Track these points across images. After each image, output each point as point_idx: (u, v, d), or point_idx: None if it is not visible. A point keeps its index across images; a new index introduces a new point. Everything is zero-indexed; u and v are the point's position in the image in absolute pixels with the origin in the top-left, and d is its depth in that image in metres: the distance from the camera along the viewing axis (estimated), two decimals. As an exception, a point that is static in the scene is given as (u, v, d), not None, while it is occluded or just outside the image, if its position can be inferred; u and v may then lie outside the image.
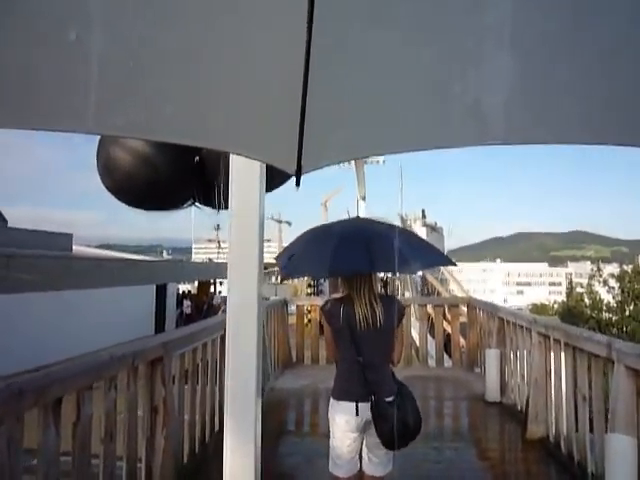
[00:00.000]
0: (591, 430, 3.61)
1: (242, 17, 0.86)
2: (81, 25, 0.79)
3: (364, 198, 8.47)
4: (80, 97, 0.82)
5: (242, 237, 2.16)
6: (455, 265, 3.24)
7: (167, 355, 3.36)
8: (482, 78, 0.82)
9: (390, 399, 2.64)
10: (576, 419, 3.91)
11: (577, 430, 3.85)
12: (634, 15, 0.77)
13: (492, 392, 5.79)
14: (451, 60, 0.85)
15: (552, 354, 4.36)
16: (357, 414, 2.61)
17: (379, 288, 2.85)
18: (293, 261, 2.75)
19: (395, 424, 2.55)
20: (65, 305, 14.01)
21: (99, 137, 5.36)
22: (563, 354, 4.16)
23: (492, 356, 5.86)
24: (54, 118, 0.87)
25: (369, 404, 2.59)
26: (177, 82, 0.90)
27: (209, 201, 6.04)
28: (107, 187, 5.85)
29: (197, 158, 5.83)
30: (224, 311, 2.39)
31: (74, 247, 22.26)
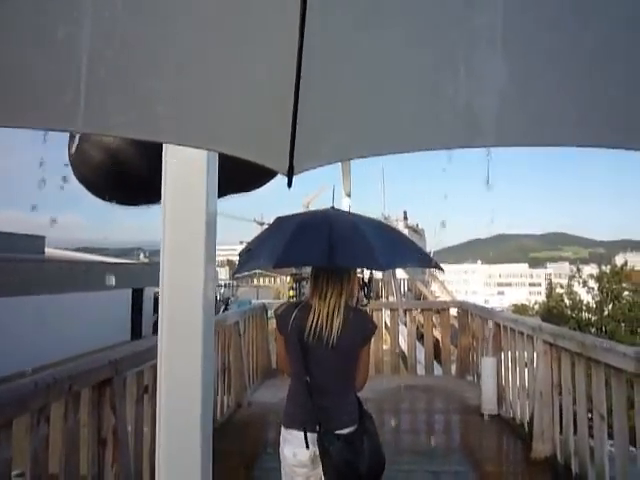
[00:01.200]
0: (611, 452, 3.18)
1: (234, 17, 0.85)
2: (71, 23, 0.78)
3: (349, 195, 8.03)
4: (70, 96, 0.82)
5: (179, 239, 1.66)
6: (442, 270, 2.78)
7: (118, 375, 2.81)
8: (474, 80, 0.82)
9: (342, 432, 2.14)
10: (590, 437, 3.48)
11: (593, 452, 3.40)
12: (626, 17, 0.77)
13: (489, 404, 5.33)
14: (443, 62, 0.85)
15: (561, 365, 3.91)
16: (307, 446, 2.12)
17: (353, 298, 2.31)
18: (248, 255, 2.26)
19: (341, 465, 2.07)
20: (32, 310, 13.23)
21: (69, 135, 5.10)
22: (572, 365, 3.72)
23: (488, 365, 5.40)
24: (43, 117, 0.86)
25: (316, 435, 2.12)
26: (168, 82, 0.90)
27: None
28: (78, 178, 5.51)
29: None
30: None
31: (47, 250, 21.49)
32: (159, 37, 0.85)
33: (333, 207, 2.40)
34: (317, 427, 2.11)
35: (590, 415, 3.46)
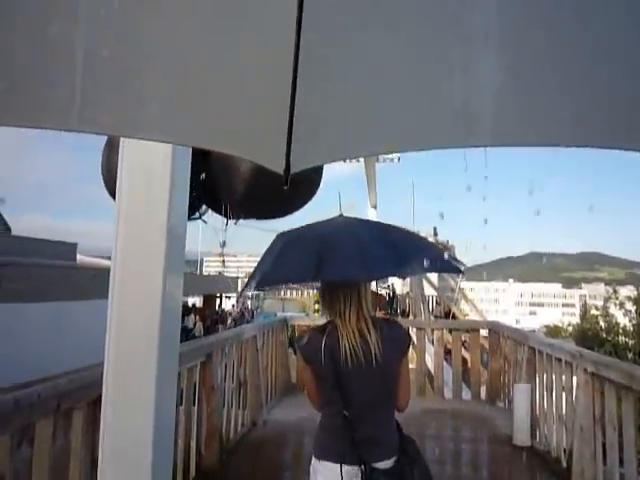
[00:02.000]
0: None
1: (231, 15, 0.85)
2: (66, 20, 0.78)
3: (375, 207, 7.76)
4: (64, 95, 0.81)
5: (132, 250, 1.44)
6: (462, 272, 2.38)
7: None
8: (470, 79, 0.80)
9: (387, 465, 1.90)
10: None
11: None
12: (624, 15, 0.76)
13: (521, 434, 4.94)
14: (439, 60, 0.84)
15: (604, 398, 3.53)
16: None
17: (373, 308, 2.02)
18: (251, 275, 2.03)
19: None
20: (52, 318, 13.29)
21: (105, 146, 5.20)
22: (618, 399, 3.35)
23: (522, 392, 5.02)
24: (37, 115, 0.84)
25: (359, 469, 1.86)
26: (164, 80, 0.88)
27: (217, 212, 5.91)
28: (110, 193, 5.52)
29: (203, 175, 5.51)
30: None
31: (79, 257, 21.82)
32: (155, 36, 0.84)
33: (341, 215, 2.16)
34: (359, 462, 1.87)
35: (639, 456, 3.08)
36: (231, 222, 5.83)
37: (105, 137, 4.80)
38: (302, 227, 2.11)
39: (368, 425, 1.94)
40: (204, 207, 6.05)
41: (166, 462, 1.52)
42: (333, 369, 1.91)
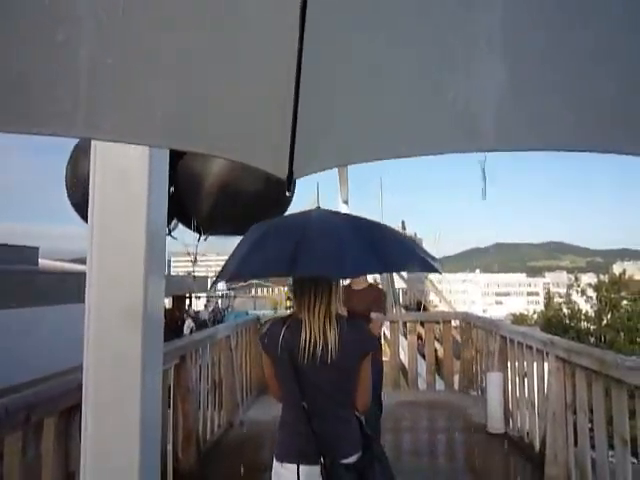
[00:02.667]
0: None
1: (234, 22, 0.85)
2: (70, 26, 0.77)
3: (346, 202, 7.77)
4: (69, 101, 0.81)
5: (109, 252, 1.39)
6: (440, 273, 2.39)
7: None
8: (472, 84, 0.81)
9: (349, 461, 1.88)
10: (610, 462, 3.19)
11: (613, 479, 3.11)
12: (627, 17, 0.76)
13: (495, 422, 5.04)
14: (442, 66, 0.84)
15: (575, 383, 3.62)
16: None
17: (337, 308, 1.99)
18: (222, 268, 2.00)
19: None
20: (13, 324, 12.81)
21: (71, 152, 4.98)
22: (589, 384, 3.44)
23: (494, 380, 5.11)
24: (41, 121, 0.84)
25: (318, 468, 1.83)
26: (167, 87, 0.89)
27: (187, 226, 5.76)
28: (74, 204, 5.22)
29: (172, 189, 5.36)
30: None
31: (41, 261, 21.11)
32: (158, 43, 0.84)
33: (319, 207, 2.13)
34: (321, 458, 1.84)
35: (610, 439, 3.17)
36: (202, 237, 5.73)
37: (70, 146, 4.63)
38: (277, 219, 2.07)
39: (327, 420, 1.92)
40: (174, 222, 5.92)
41: (154, 467, 1.47)
42: (290, 361, 1.90)
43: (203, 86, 0.91)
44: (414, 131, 0.90)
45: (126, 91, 0.87)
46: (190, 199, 5.06)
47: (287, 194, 1.03)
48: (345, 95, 0.93)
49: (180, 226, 5.95)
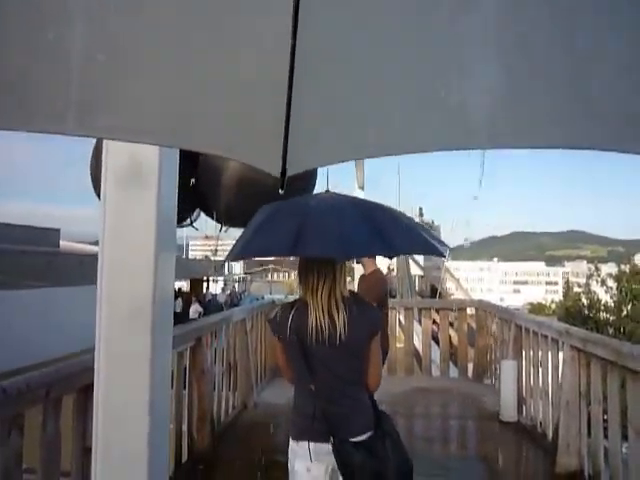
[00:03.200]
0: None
1: (226, 18, 0.84)
2: (62, 24, 0.78)
3: (362, 187, 7.74)
4: (61, 98, 0.80)
5: (121, 234, 1.41)
6: (444, 256, 2.33)
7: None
8: (467, 82, 0.81)
9: (359, 439, 1.92)
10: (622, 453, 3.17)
11: (626, 469, 3.10)
12: (619, 17, 0.76)
13: (508, 410, 5.03)
14: (436, 64, 0.84)
15: (590, 373, 3.60)
16: (311, 459, 1.91)
17: (344, 289, 2.01)
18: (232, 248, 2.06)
19: (367, 477, 1.86)
20: (37, 305, 13.10)
21: (94, 147, 5.06)
22: (604, 374, 3.42)
23: (509, 369, 5.10)
24: (34, 119, 0.84)
25: (329, 446, 1.89)
26: (160, 84, 0.88)
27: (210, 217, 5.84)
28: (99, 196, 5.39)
29: (192, 180, 5.43)
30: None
31: (63, 242, 21.48)
32: (151, 39, 0.84)
33: (328, 190, 2.14)
34: (331, 438, 1.89)
35: (624, 429, 3.15)
36: (222, 228, 5.80)
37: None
38: (286, 201, 2.08)
39: (337, 401, 1.96)
40: (196, 212, 5.98)
41: (162, 448, 1.51)
42: (299, 344, 1.93)
43: (196, 83, 0.91)
44: (407, 129, 0.90)
45: (118, 88, 0.87)
46: (210, 192, 5.13)
47: (280, 192, 1.01)
48: (338, 92, 0.93)
49: (203, 215, 6.04)
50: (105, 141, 1.67)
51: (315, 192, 2.18)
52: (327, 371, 1.96)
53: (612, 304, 35.27)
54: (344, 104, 0.93)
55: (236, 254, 2.03)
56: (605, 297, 36.51)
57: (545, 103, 0.80)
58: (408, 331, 7.19)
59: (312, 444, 1.93)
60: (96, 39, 0.81)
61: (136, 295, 1.48)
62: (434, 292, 19.14)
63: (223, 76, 0.91)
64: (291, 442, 2.03)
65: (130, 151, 1.58)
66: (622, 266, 38.87)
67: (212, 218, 5.64)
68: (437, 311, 7.44)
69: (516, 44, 0.79)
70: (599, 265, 42.89)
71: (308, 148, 1.00)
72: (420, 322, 7.51)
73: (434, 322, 7.62)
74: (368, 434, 1.96)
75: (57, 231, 21.44)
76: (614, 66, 0.77)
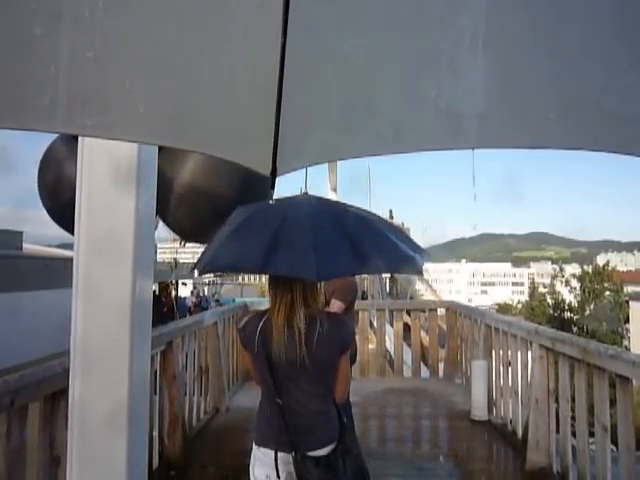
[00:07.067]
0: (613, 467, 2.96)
1: (217, 18, 0.84)
2: (50, 21, 0.76)
3: (335, 190, 7.76)
4: (48, 96, 0.79)
5: (97, 238, 1.38)
6: (421, 274, 2.18)
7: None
8: (456, 82, 0.81)
9: (320, 453, 1.88)
10: (590, 450, 3.26)
11: (593, 465, 3.18)
12: (609, 16, 0.76)
13: (479, 409, 5.11)
14: (425, 63, 0.84)
15: (558, 371, 3.68)
16: (277, 468, 1.87)
17: (315, 303, 1.92)
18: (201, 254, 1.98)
19: None
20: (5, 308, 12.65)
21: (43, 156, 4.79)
22: (571, 372, 3.50)
23: (479, 368, 5.18)
24: (21, 117, 0.83)
25: (291, 457, 1.87)
26: (150, 82, 0.88)
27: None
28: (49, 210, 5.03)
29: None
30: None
31: (26, 245, 20.80)
32: (140, 37, 0.83)
33: (306, 193, 2.08)
34: (292, 452, 1.86)
35: (591, 426, 3.23)
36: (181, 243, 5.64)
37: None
38: (261, 205, 1.97)
39: (301, 415, 1.93)
40: (155, 220, 5.78)
41: (141, 453, 1.47)
42: (266, 359, 1.88)
43: (185, 82, 0.90)
44: (397, 128, 0.90)
45: (107, 86, 0.85)
46: (162, 206, 4.89)
47: (271, 191, 1.03)
48: (329, 91, 0.93)
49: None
50: (82, 138, 1.62)
51: (291, 195, 2.09)
52: (294, 386, 1.93)
53: (576, 304, 36.28)
54: (333, 104, 0.93)
55: (204, 267, 1.96)
56: (569, 297, 37.53)
57: (534, 104, 0.81)
58: (380, 332, 7.23)
59: (279, 453, 1.89)
60: (85, 37, 0.80)
61: (114, 296, 1.44)
62: (404, 294, 19.33)
63: (213, 75, 0.90)
64: (254, 447, 2.00)
65: (108, 149, 1.53)
66: (585, 267, 40.11)
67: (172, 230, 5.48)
68: (408, 312, 7.50)
69: (507, 43, 0.79)
70: (563, 266, 44.12)
71: (298, 147, 1.00)
72: (392, 323, 7.56)
73: (405, 324, 7.69)
74: (330, 447, 1.92)
75: (20, 234, 20.78)
76: (604, 67, 0.78)
